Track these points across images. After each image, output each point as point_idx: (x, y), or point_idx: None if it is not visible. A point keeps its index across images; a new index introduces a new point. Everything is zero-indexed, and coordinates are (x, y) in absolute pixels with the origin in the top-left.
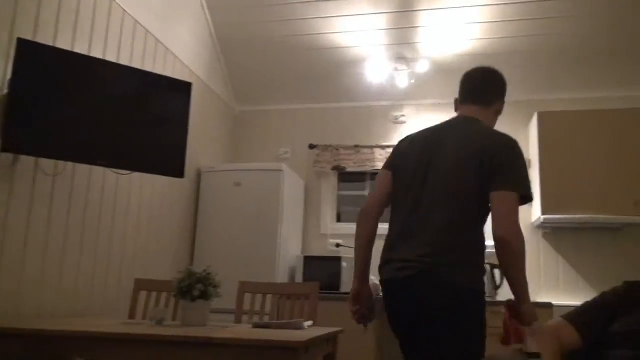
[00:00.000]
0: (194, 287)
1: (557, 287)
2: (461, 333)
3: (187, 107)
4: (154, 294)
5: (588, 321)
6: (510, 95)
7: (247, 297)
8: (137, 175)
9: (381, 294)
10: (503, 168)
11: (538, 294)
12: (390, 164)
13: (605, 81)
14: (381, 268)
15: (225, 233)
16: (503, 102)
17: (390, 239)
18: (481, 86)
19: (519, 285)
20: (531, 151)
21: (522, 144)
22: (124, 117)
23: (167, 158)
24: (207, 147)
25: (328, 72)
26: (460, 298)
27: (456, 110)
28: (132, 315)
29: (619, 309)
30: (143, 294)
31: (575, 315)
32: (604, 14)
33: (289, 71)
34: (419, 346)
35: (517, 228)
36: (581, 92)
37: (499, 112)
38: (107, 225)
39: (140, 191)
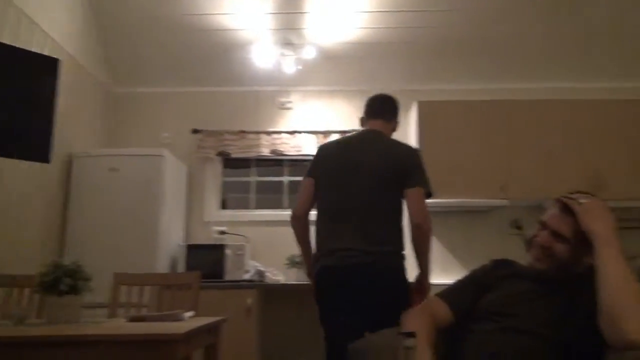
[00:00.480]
0: (61, 281)
1: (432, 267)
2: (397, 305)
3: (54, 86)
4: (16, 290)
5: (459, 297)
6: (392, 84)
7: (124, 289)
8: None
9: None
10: (413, 171)
11: (414, 274)
12: (313, 171)
13: (478, 74)
14: (322, 257)
15: (100, 222)
16: (398, 122)
17: (324, 233)
18: (384, 106)
19: (427, 262)
20: (411, 138)
21: (402, 132)
22: None
23: (31, 141)
24: (80, 130)
25: (214, 55)
26: (397, 279)
27: (363, 126)
28: None
29: (487, 285)
30: (1, 292)
31: (448, 293)
32: (478, 10)
33: (172, 52)
34: (360, 318)
35: (428, 216)
36: (457, 83)
37: (394, 129)
38: None
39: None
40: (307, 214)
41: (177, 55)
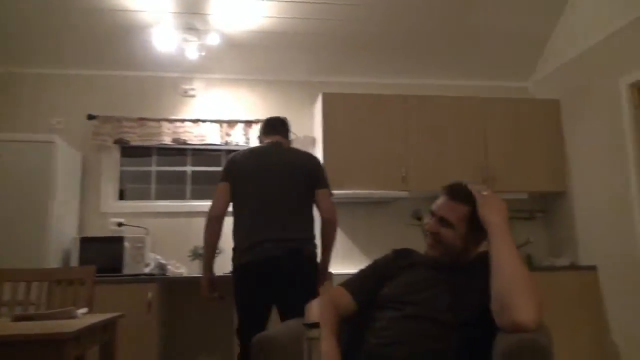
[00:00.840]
0: None
1: (335, 257)
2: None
3: None
4: None
5: (362, 287)
6: (297, 75)
7: (9, 287)
8: None
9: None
10: (320, 174)
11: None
12: (227, 177)
13: (380, 68)
14: (245, 251)
15: None
16: (291, 141)
17: (244, 230)
18: (283, 126)
19: (331, 252)
20: (316, 130)
21: (307, 123)
22: None
23: None
24: None
25: (111, 37)
26: (315, 267)
27: (261, 141)
28: None
29: (388, 274)
30: None
31: (351, 282)
32: (382, 7)
33: (66, 32)
34: (286, 304)
35: (336, 212)
36: (361, 76)
37: (289, 146)
38: None
39: None
40: (224, 215)
41: (71, 36)
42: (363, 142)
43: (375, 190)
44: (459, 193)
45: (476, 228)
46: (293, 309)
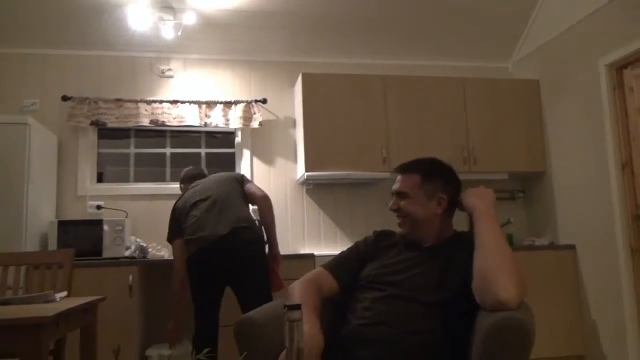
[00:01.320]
0: None
1: (318, 239)
2: (267, 271)
3: None
4: None
5: (344, 268)
6: (278, 55)
7: None
8: None
9: None
10: (243, 176)
11: (302, 246)
12: (177, 234)
13: (362, 49)
14: (190, 242)
15: None
16: None
17: (188, 231)
18: (199, 172)
19: (275, 234)
20: (297, 111)
21: (288, 104)
22: None
23: None
24: None
25: (85, 16)
26: (263, 248)
27: (186, 190)
28: None
29: (370, 256)
30: None
31: (333, 264)
32: None
33: (38, 11)
34: (244, 287)
35: (266, 194)
36: (341, 57)
37: None
38: None
39: None
40: (185, 271)
41: (43, 14)
42: (344, 123)
43: (356, 172)
44: (406, 166)
45: (431, 194)
46: (247, 289)
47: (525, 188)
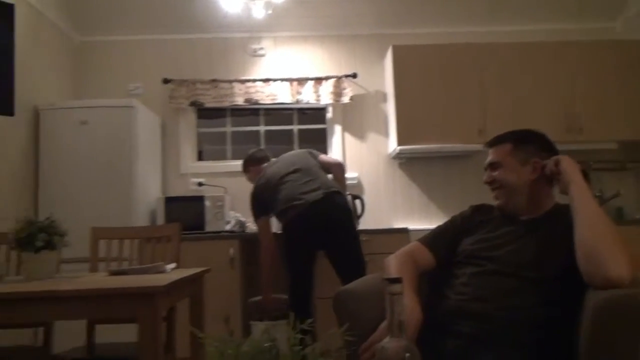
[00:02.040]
0: (36, 237)
1: (412, 213)
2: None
3: (9, 33)
4: None
5: (440, 243)
6: (366, 28)
7: (103, 243)
8: None
9: None
10: (314, 152)
11: (395, 220)
12: (260, 205)
13: (452, 17)
14: (289, 209)
15: (73, 177)
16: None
17: (280, 203)
18: (265, 154)
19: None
20: (387, 84)
21: (378, 77)
22: None
23: None
24: (44, 82)
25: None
26: (351, 211)
27: (259, 170)
28: None
29: (467, 231)
30: None
31: (429, 238)
32: None
33: None
34: (338, 250)
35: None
36: (431, 26)
37: None
38: None
39: None
40: (276, 248)
41: (142, 1)
42: (436, 94)
43: (450, 144)
44: (496, 138)
45: (524, 160)
46: (342, 251)
47: (637, 157)
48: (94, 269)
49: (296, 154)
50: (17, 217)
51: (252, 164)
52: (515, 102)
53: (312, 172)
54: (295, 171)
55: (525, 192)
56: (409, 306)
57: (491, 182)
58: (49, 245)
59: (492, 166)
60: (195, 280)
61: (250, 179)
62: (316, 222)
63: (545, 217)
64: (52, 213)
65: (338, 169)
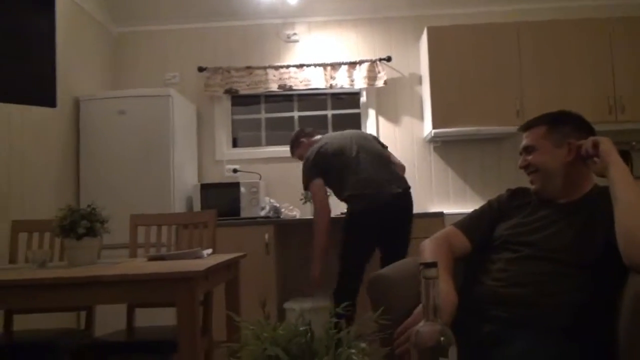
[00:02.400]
0: (78, 224)
1: (447, 197)
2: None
3: (51, 25)
4: (36, 235)
5: (476, 227)
6: (400, 10)
7: (142, 230)
8: (2, 106)
9: None
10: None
11: (430, 204)
12: (319, 172)
13: None
14: (363, 197)
15: (113, 165)
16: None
17: (356, 185)
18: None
19: None
20: (422, 67)
21: (413, 60)
22: None
23: (35, 85)
24: (84, 73)
25: None
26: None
27: (312, 143)
28: (12, 260)
29: (503, 215)
30: (23, 236)
31: (465, 223)
32: None
33: None
34: (396, 247)
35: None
36: (466, 6)
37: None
38: None
39: (8, 124)
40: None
41: None
42: (473, 76)
43: (487, 127)
44: (530, 121)
45: (559, 142)
46: (399, 249)
47: None
48: (133, 255)
49: (364, 136)
50: (59, 205)
51: (304, 136)
52: (554, 82)
53: (385, 160)
54: (368, 153)
55: (561, 175)
56: (444, 290)
57: (526, 167)
58: (91, 232)
59: (527, 150)
60: (231, 266)
61: (301, 154)
62: (392, 218)
63: (583, 200)
64: (93, 201)
65: (403, 171)
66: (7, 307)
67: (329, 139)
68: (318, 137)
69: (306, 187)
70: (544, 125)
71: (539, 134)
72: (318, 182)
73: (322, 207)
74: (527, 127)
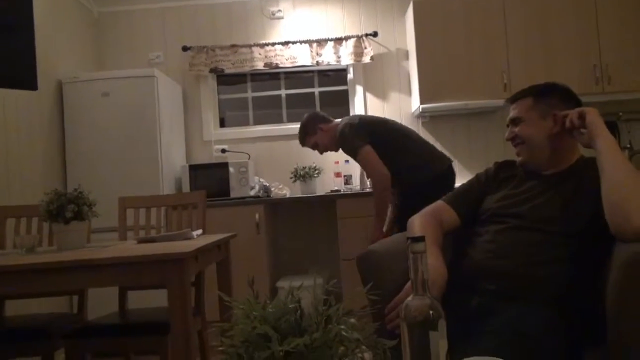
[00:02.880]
0: (66, 208)
1: None
2: None
3: (28, 7)
4: (24, 220)
5: (464, 201)
6: None
7: (131, 212)
8: None
9: None
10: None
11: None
12: (366, 138)
13: None
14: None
15: (99, 148)
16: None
17: (429, 151)
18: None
19: None
20: (409, 42)
21: (399, 35)
22: None
23: (15, 68)
24: (66, 55)
25: None
26: None
27: (334, 126)
28: (0, 246)
29: (490, 188)
30: (11, 222)
31: (453, 197)
32: None
33: None
34: None
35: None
36: None
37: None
38: None
39: None
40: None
41: None
42: (459, 49)
43: (475, 101)
44: (517, 93)
45: (545, 113)
46: None
47: None
48: (122, 238)
49: None
50: (46, 190)
51: (321, 122)
52: (541, 54)
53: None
54: (412, 133)
55: (547, 147)
56: (433, 265)
57: (513, 139)
58: (79, 216)
59: (514, 122)
60: (221, 246)
61: (317, 142)
62: (440, 191)
63: (569, 171)
64: (79, 184)
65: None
66: None
67: (359, 116)
68: (338, 120)
69: (355, 155)
70: (530, 97)
71: (525, 105)
72: (368, 148)
73: (380, 175)
74: (514, 98)
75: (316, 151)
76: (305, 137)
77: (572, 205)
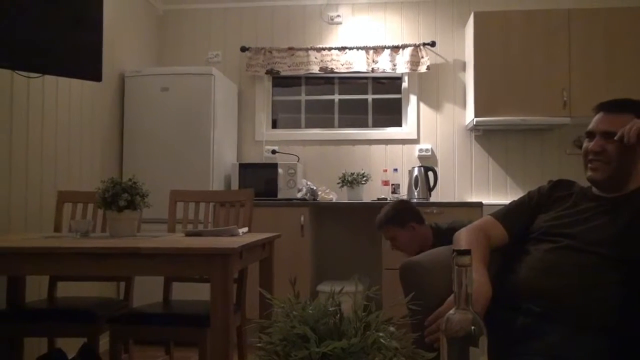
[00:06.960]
0: (120, 197)
1: (487, 187)
2: None
3: (98, 2)
4: (80, 206)
5: (514, 218)
6: None
7: (180, 205)
8: (50, 79)
9: None
10: None
11: (469, 194)
12: None
13: None
14: None
15: (155, 141)
16: None
17: None
18: None
19: None
20: (467, 53)
21: (458, 46)
22: (29, 13)
23: (82, 60)
24: (130, 50)
25: None
26: None
27: (423, 231)
28: (57, 229)
29: (543, 206)
30: (68, 207)
31: (503, 213)
32: None
33: None
34: None
35: None
36: None
37: None
38: (21, 135)
39: (55, 97)
40: None
41: None
42: (519, 63)
43: (532, 117)
44: (617, 104)
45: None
46: None
47: None
48: (171, 230)
49: None
50: (103, 178)
51: (416, 220)
52: (605, 73)
53: None
54: None
55: (630, 172)
56: (478, 281)
57: (599, 153)
58: (131, 205)
59: (606, 135)
60: (266, 245)
61: (405, 238)
62: None
63: (630, 196)
64: (134, 175)
65: None
66: (50, 273)
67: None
68: (427, 224)
69: None
70: (633, 114)
71: (624, 122)
72: None
73: None
74: (610, 109)
75: (366, 159)
76: (390, 226)
77: (628, 231)
